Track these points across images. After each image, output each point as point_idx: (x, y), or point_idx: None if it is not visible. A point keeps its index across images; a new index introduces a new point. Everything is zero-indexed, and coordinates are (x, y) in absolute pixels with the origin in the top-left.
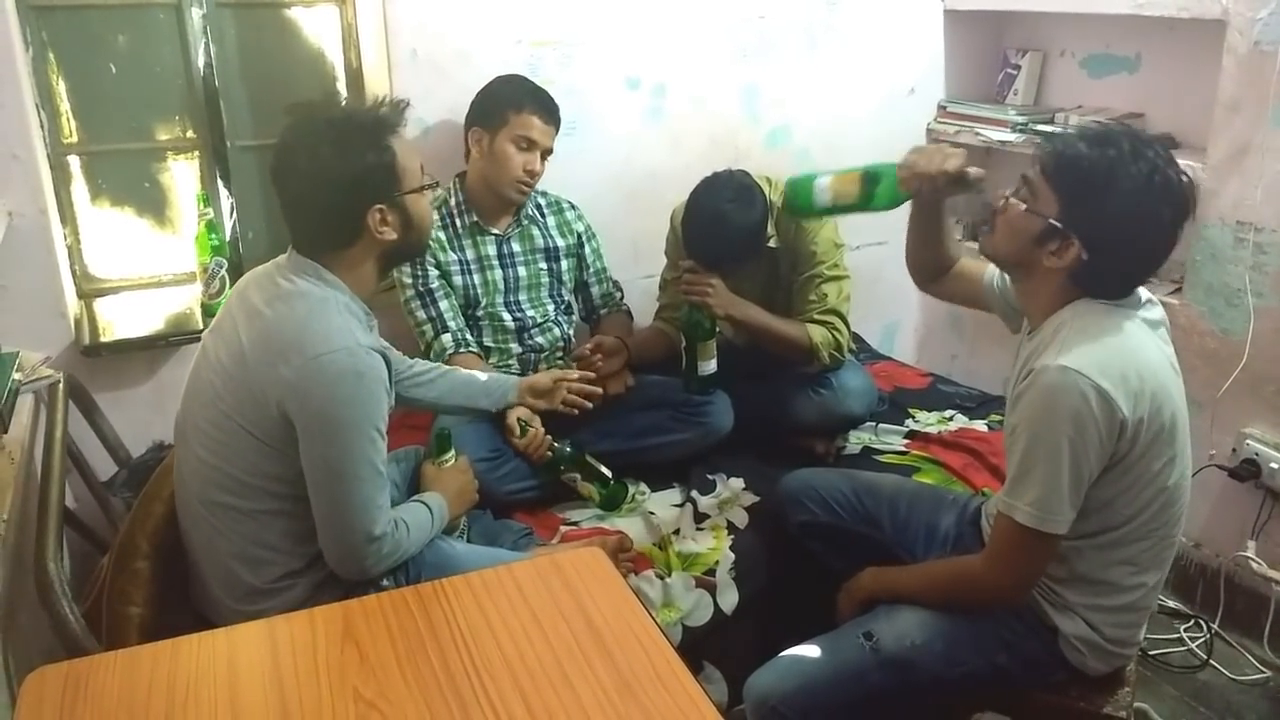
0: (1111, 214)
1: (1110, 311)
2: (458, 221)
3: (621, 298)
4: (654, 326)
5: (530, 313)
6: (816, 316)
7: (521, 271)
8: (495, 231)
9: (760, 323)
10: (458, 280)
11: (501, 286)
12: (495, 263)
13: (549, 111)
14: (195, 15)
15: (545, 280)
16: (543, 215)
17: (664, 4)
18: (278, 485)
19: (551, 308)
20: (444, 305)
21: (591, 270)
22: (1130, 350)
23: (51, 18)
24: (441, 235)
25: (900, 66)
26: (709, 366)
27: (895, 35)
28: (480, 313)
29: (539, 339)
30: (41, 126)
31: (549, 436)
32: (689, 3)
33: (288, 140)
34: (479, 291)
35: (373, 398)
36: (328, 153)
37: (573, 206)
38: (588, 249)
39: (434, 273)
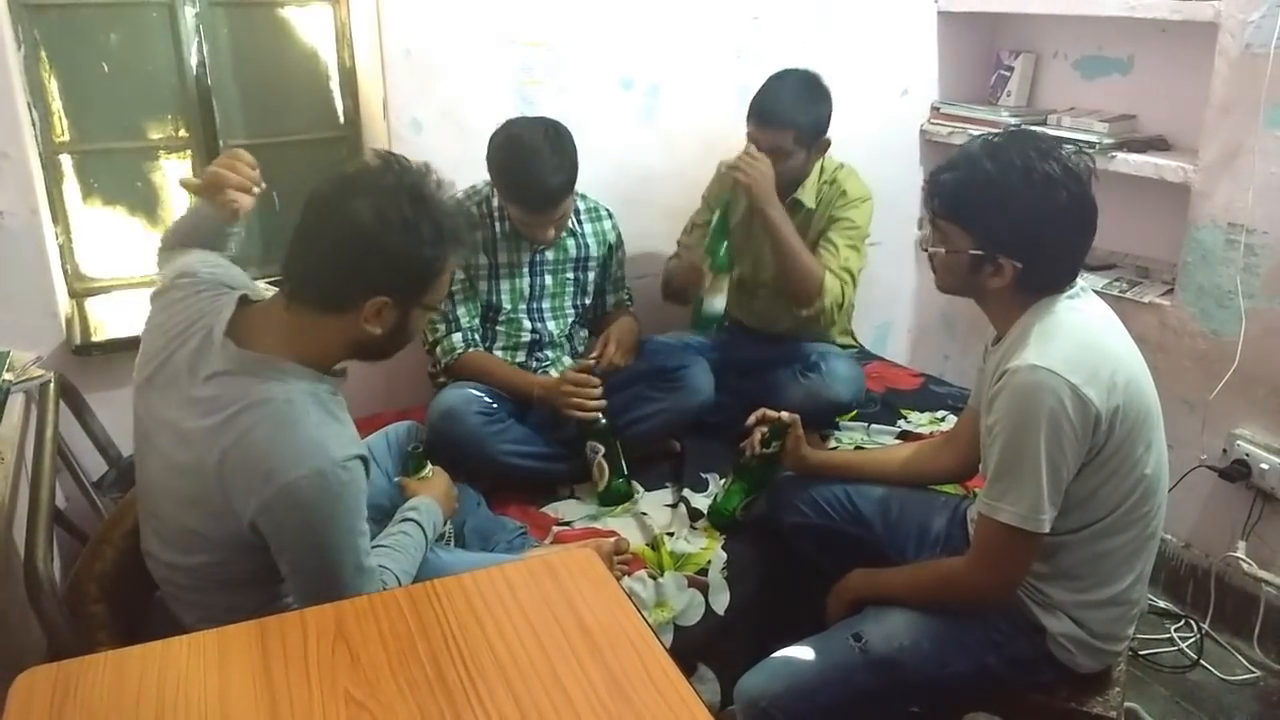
0: (1019, 221)
1: (1071, 306)
2: (497, 226)
3: (630, 302)
4: (665, 272)
5: (550, 324)
6: (834, 269)
7: (548, 280)
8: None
9: (786, 231)
10: (481, 285)
11: (526, 293)
12: (524, 270)
13: (547, 201)
14: (188, 14)
15: (570, 289)
16: (580, 224)
17: (658, 5)
18: (251, 574)
19: (571, 316)
20: (462, 310)
21: (612, 279)
22: (1099, 343)
23: (44, 16)
24: (474, 235)
25: (893, 68)
26: (716, 303)
27: (888, 37)
28: (501, 318)
29: (548, 352)
30: (33, 125)
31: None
32: (683, 4)
33: (362, 179)
34: (502, 298)
35: (350, 513)
36: (394, 220)
37: (610, 215)
38: (613, 258)
39: (459, 275)
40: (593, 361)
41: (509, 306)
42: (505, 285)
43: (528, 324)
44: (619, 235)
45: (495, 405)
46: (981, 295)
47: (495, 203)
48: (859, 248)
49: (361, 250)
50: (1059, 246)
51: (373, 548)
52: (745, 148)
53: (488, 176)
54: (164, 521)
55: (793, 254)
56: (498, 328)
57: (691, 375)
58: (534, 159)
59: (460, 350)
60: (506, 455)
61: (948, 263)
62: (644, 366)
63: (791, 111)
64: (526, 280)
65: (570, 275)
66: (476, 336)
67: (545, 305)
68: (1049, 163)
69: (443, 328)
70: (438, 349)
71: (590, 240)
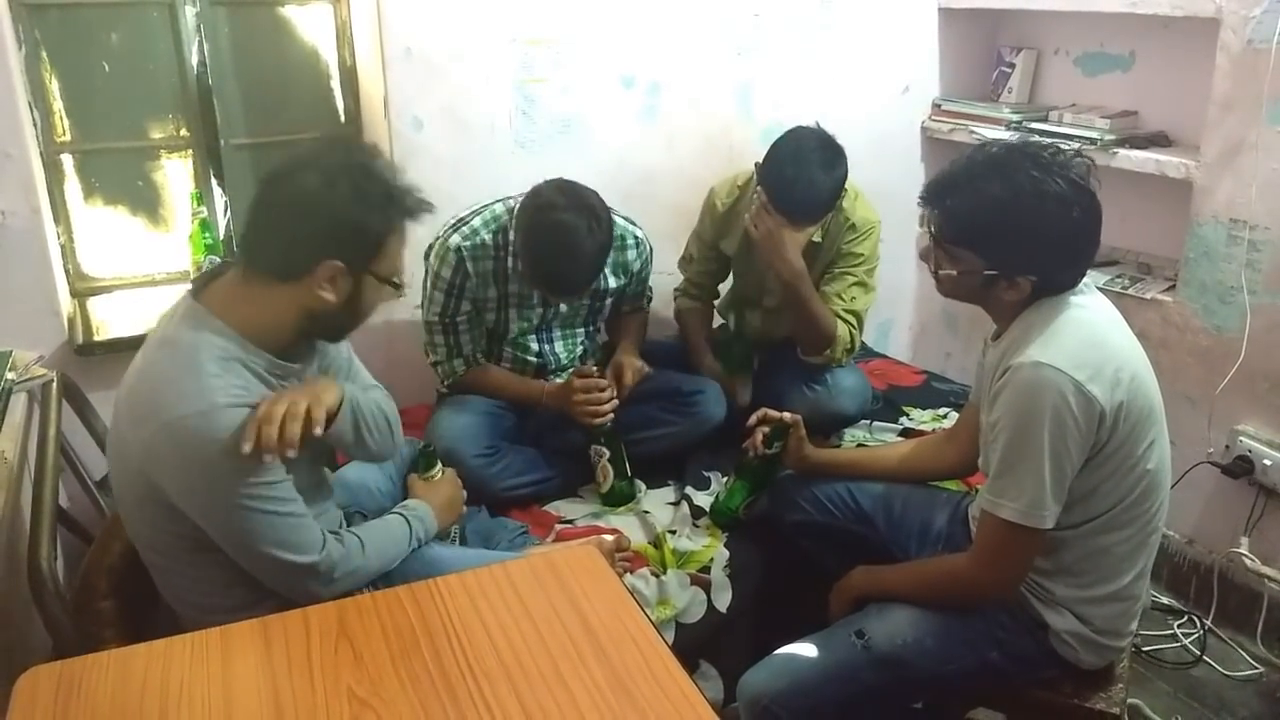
0: (1036, 245)
1: (1075, 303)
2: (510, 261)
3: (650, 300)
4: (676, 308)
5: (558, 347)
6: (841, 313)
7: (562, 308)
8: None
9: (805, 289)
10: (489, 316)
11: (536, 322)
12: (535, 301)
13: (577, 294)
14: (189, 13)
15: (583, 314)
16: None
17: (658, 2)
18: (183, 541)
19: (581, 337)
20: (465, 338)
21: (630, 297)
22: (1103, 339)
23: (45, 16)
24: (488, 266)
25: (895, 64)
26: (743, 395)
27: (890, 33)
28: (506, 343)
29: (554, 378)
30: (34, 125)
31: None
32: (684, 1)
33: (311, 155)
34: (510, 327)
35: (239, 456)
36: (343, 186)
37: (637, 243)
38: (634, 280)
39: (466, 307)
40: (595, 368)
41: (516, 333)
42: (514, 314)
43: (534, 346)
44: (644, 261)
45: (494, 444)
46: (990, 302)
47: (512, 235)
48: (866, 282)
49: (310, 214)
50: (1074, 258)
51: (348, 530)
52: (761, 202)
53: (501, 198)
54: (121, 487)
55: (808, 308)
56: (504, 349)
57: (706, 401)
58: (574, 258)
59: (461, 373)
60: (507, 490)
61: (959, 281)
62: (659, 385)
63: (822, 207)
64: (538, 311)
65: (586, 303)
66: (479, 356)
67: (555, 330)
68: (1056, 180)
69: (444, 352)
70: (438, 369)
71: (609, 272)
